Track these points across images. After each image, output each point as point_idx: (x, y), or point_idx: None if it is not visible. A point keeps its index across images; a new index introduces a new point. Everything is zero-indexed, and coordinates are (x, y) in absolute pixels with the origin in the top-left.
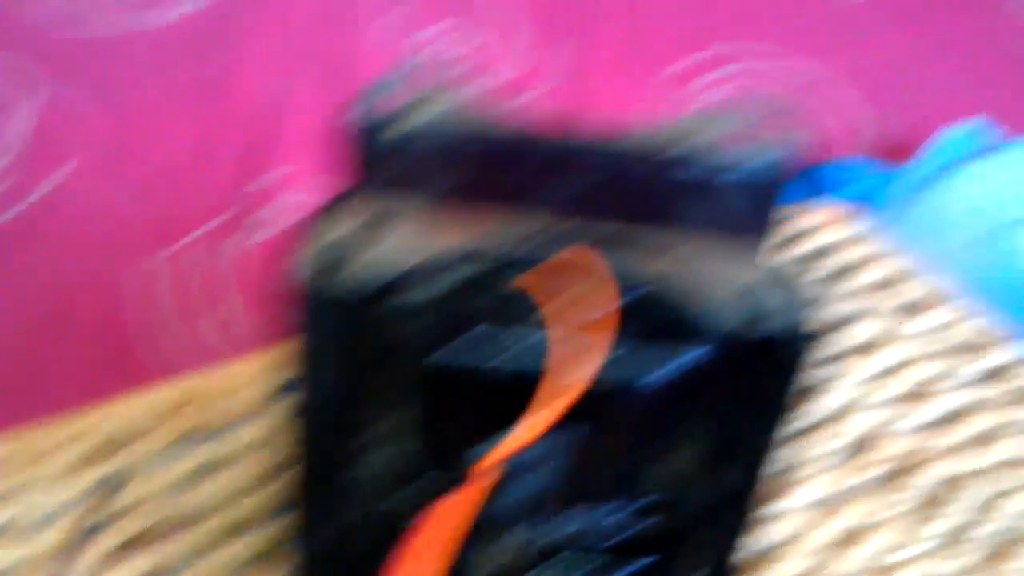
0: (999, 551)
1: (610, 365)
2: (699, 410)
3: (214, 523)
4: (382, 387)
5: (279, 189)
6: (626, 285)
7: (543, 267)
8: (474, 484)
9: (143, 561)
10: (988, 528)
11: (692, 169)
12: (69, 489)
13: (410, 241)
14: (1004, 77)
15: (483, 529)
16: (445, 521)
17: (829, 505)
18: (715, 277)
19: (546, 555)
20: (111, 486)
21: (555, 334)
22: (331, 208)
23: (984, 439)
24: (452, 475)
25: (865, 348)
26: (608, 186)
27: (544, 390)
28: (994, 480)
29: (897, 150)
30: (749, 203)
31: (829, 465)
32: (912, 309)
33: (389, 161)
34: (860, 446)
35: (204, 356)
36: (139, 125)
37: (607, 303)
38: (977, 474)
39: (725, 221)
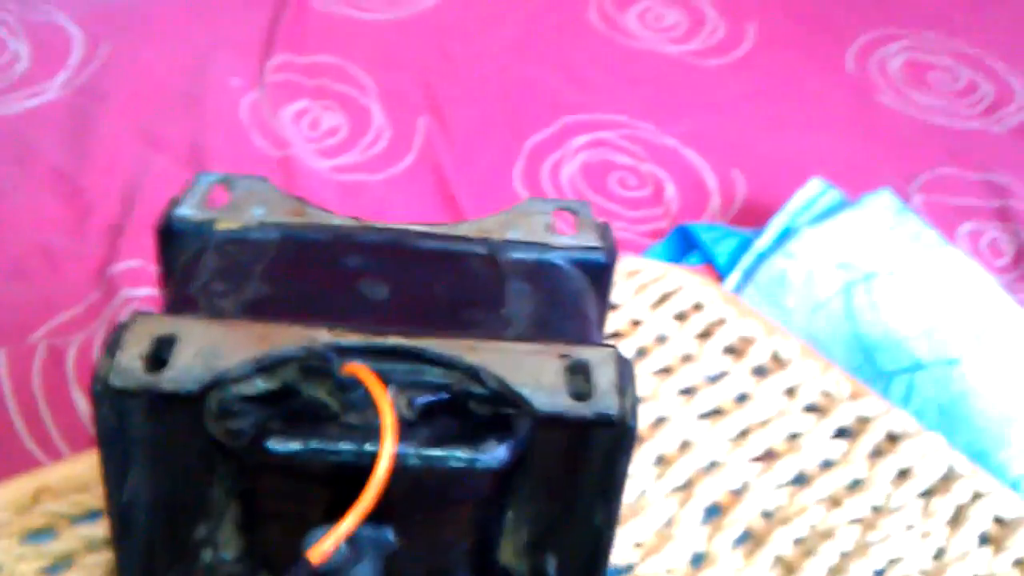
0: None
1: (424, 457)
2: (525, 498)
3: None
4: (214, 479)
5: (127, 282)
6: (428, 384)
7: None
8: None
9: None
10: None
11: (516, 254)
12: None
13: (202, 355)
14: (843, 140)
15: None
16: None
17: (696, 564)
18: (537, 362)
19: None
20: None
21: None
22: (127, 325)
23: (834, 499)
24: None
25: (718, 411)
26: (431, 278)
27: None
28: (845, 539)
29: (746, 214)
30: (578, 286)
31: (691, 526)
32: (763, 371)
33: (192, 271)
34: (720, 509)
35: (74, 442)
36: None
37: (382, 409)
38: (826, 534)
39: (556, 304)
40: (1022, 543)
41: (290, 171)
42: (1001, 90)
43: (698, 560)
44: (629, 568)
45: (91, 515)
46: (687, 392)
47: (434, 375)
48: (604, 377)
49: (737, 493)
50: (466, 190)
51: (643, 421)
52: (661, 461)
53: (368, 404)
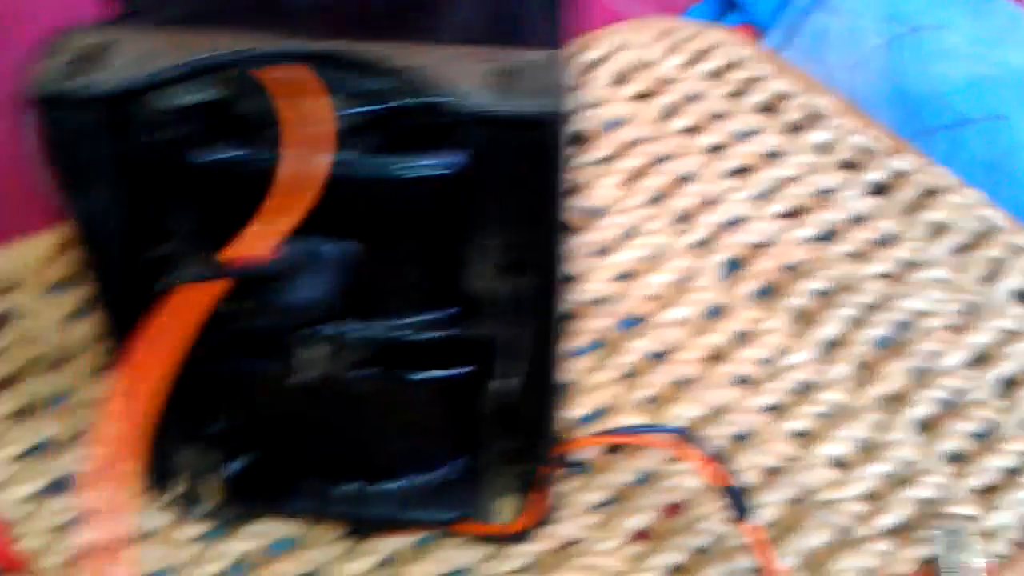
0: (871, 362)
1: (358, 167)
2: (478, 211)
3: (90, 360)
4: (163, 195)
5: None
6: (359, 92)
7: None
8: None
9: (24, 392)
10: (861, 338)
11: None
12: None
13: (130, 61)
14: None
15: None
16: (185, 309)
17: (711, 317)
18: (465, 65)
19: (359, 362)
20: None
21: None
22: (58, 38)
23: (862, 254)
24: (203, 269)
25: (745, 168)
26: None
27: (279, 192)
28: (870, 292)
29: None
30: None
31: (709, 280)
32: (797, 127)
33: None
34: (742, 261)
35: None
36: None
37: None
38: (850, 287)
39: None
40: None
41: None
42: None
43: (714, 312)
44: (641, 320)
45: None
46: (715, 149)
47: (373, 85)
48: (538, 79)
49: (759, 247)
50: None
51: (664, 178)
52: (682, 218)
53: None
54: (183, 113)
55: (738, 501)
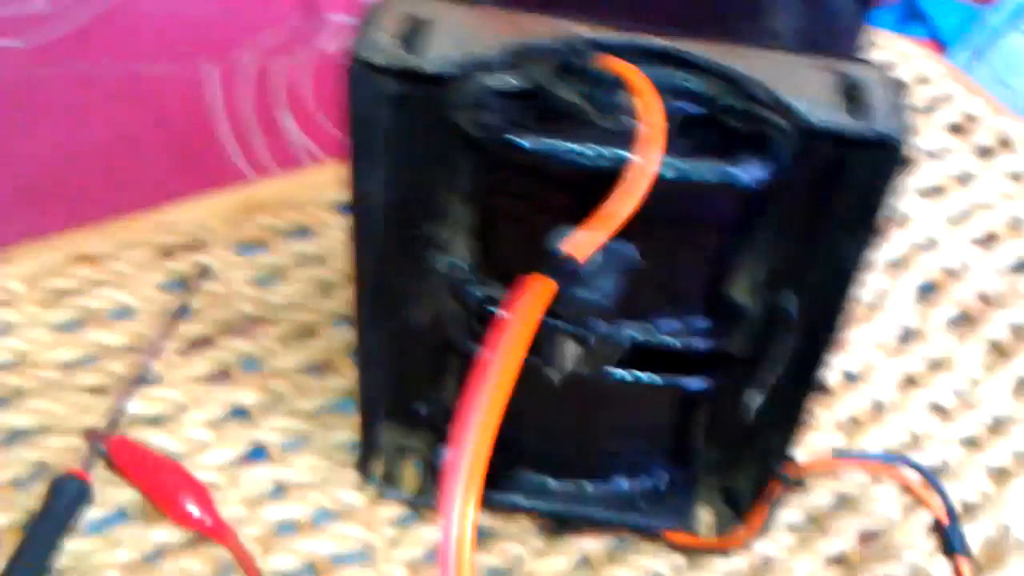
0: None
1: (682, 167)
2: (772, 229)
3: (281, 326)
4: (452, 178)
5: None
6: (688, 92)
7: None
8: (545, 283)
9: (218, 355)
10: None
11: None
12: (150, 282)
13: (456, 39)
14: None
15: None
16: (524, 316)
17: (905, 340)
18: (808, 76)
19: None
20: (189, 284)
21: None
22: (380, 6)
23: None
24: (515, 276)
25: (938, 189)
26: None
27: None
28: None
29: None
30: (847, 7)
31: (903, 302)
32: (988, 152)
33: None
34: (934, 286)
35: (284, 159)
36: None
37: (652, 116)
38: None
39: (825, 23)
40: None
41: None
42: None
43: (908, 336)
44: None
45: (301, 231)
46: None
47: (694, 84)
48: (882, 97)
49: (954, 273)
50: None
51: None
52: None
53: (622, 109)
54: (502, 96)
55: (956, 535)
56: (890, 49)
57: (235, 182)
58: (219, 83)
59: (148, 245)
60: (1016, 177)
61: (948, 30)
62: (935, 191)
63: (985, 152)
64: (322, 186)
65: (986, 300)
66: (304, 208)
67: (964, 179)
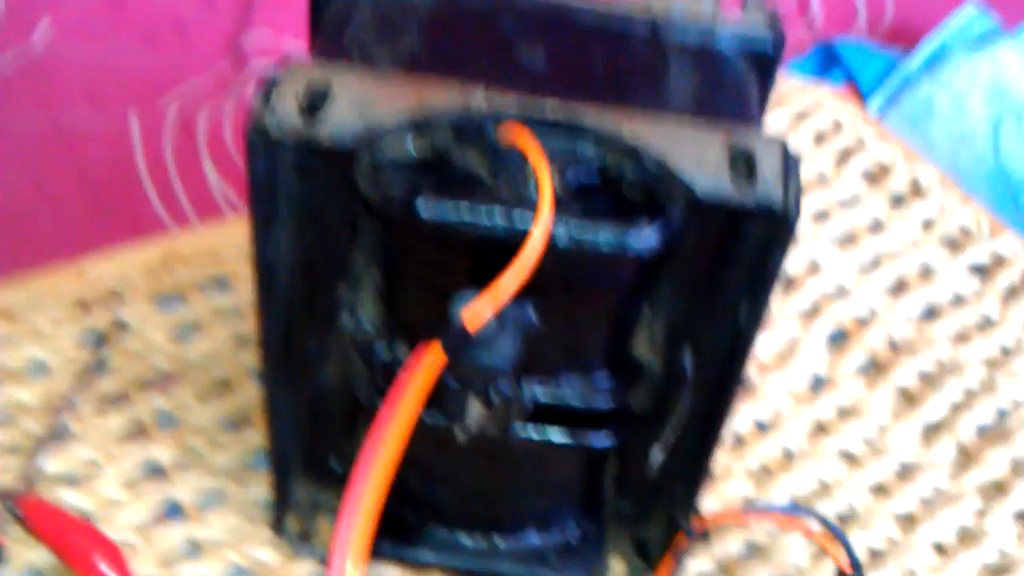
0: (972, 448)
1: (575, 235)
2: (668, 290)
3: (198, 381)
4: (357, 241)
5: (257, 52)
6: (583, 159)
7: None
8: (436, 353)
9: (134, 411)
10: (963, 423)
11: (679, 34)
12: (66, 338)
13: (357, 108)
14: None
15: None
16: (416, 383)
17: (816, 388)
18: (699, 145)
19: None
20: (106, 339)
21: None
22: (280, 74)
23: (963, 336)
24: (420, 337)
25: (850, 237)
26: (588, 50)
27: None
28: (972, 377)
29: (895, 35)
30: (742, 75)
31: (814, 350)
32: (900, 199)
33: (343, 23)
34: (844, 335)
35: (205, 207)
36: None
37: (542, 186)
38: (953, 370)
39: (718, 90)
40: None
41: None
42: None
43: (819, 384)
44: (747, 384)
45: (220, 283)
46: (820, 216)
47: (589, 152)
48: (769, 166)
49: (864, 321)
50: None
51: None
52: (788, 283)
53: (520, 175)
54: (403, 164)
55: None
56: (807, 96)
57: (156, 231)
58: (141, 132)
59: (65, 299)
60: (927, 225)
61: (866, 78)
62: (847, 239)
63: (897, 200)
64: (241, 237)
65: (896, 348)
66: (223, 260)
67: (876, 227)
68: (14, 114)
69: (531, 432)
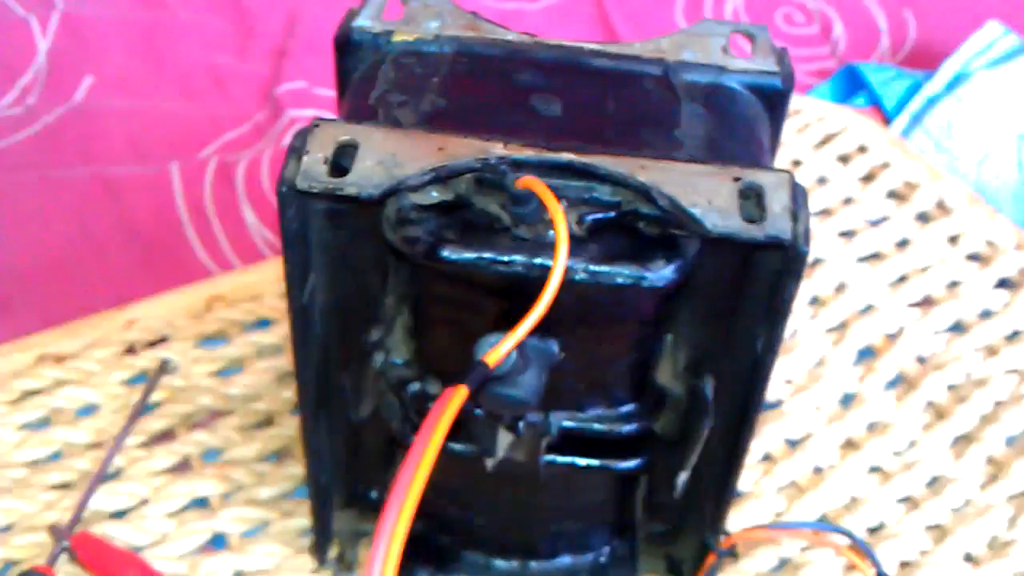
0: (1002, 459)
1: (593, 272)
2: (687, 320)
3: (241, 417)
4: (386, 283)
5: (292, 103)
6: (599, 202)
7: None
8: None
9: (179, 447)
10: (992, 434)
11: (691, 75)
12: (114, 379)
13: (382, 162)
14: None
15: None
16: (441, 423)
17: (845, 404)
18: (710, 182)
19: (547, 449)
20: (151, 379)
21: None
22: (311, 132)
23: (991, 349)
24: (447, 378)
25: (877, 255)
26: (603, 94)
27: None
28: (1000, 389)
29: (916, 57)
30: (752, 112)
31: (843, 367)
32: (926, 217)
33: (369, 84)
34: (873, 351)
35: (245, 250)
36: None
37: (558, 227)
38: (981, 383)
39: (729, 128)
40: None
41: None
42: None
43: (848, 400)
44: (778, 404)
45: (261, 323)
46: (846, 235)
47: (604, 193)
48: (777, 201)
49: (892, 337)
50: (625, 22)
51: None
52: (816, 302)
53: (539, 218)
54: (426, 210)
55: None
56: (832, 120)
57: (198, 275)
58: (181, 181)
59: (113, 343)
60: (953, 240)
61: (891, 100)
62: (874, 257)
63: (923, 217)
64: (280, 277)
65: (924, 362)
66: (263, 299)
67: (902, 244)
68: (60, 167)
69: (559, 459)
